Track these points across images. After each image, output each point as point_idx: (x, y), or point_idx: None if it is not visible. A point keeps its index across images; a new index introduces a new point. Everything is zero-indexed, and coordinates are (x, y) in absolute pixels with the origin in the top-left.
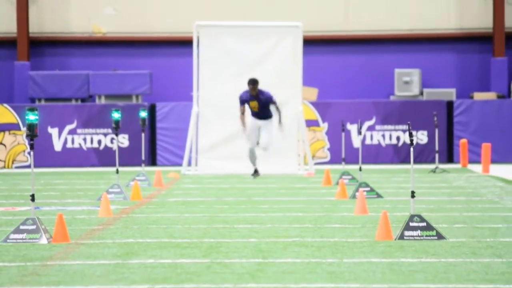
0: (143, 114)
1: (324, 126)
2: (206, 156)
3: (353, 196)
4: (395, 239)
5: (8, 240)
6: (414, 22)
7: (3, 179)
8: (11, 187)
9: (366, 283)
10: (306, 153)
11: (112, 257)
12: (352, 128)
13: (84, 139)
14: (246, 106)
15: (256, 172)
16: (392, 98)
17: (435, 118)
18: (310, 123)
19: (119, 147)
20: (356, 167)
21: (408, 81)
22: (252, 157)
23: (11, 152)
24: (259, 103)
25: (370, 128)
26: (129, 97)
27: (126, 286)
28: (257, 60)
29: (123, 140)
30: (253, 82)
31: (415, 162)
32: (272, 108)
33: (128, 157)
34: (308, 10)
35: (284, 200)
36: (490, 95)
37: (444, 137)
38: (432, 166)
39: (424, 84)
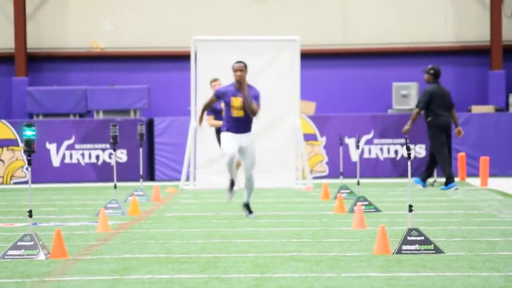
0: (141, 129)
1: (322, 140)
2: (204, 171)
3: (351, 210)
4: (393, 253)
5: (5, 257)
6: (412, 36)
7: (2, 195)
8: (9, 203)
9: None
10: (304, 167)
11: (110, 272)
12: (350, 142)
13: (82, 155)
14: (222, 109)
15: (233, 184)
16: (390, 111)
17: None
18: (308, 137)
19: (117, 162)
20: (354, 181)
21: (406, 95)
22: (231, 166)
23: (10, 168)
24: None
25: (368, 142)
26: (127, 112)
27: None
28: (255, 74)
29: (121, 155)
30: (242, 65)
31: (414, 175)
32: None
33: (126, 172)
34: (306, 24)
35: (282, 215)
36: (488, 108)
37: None
38: (430, 180)
39: None
